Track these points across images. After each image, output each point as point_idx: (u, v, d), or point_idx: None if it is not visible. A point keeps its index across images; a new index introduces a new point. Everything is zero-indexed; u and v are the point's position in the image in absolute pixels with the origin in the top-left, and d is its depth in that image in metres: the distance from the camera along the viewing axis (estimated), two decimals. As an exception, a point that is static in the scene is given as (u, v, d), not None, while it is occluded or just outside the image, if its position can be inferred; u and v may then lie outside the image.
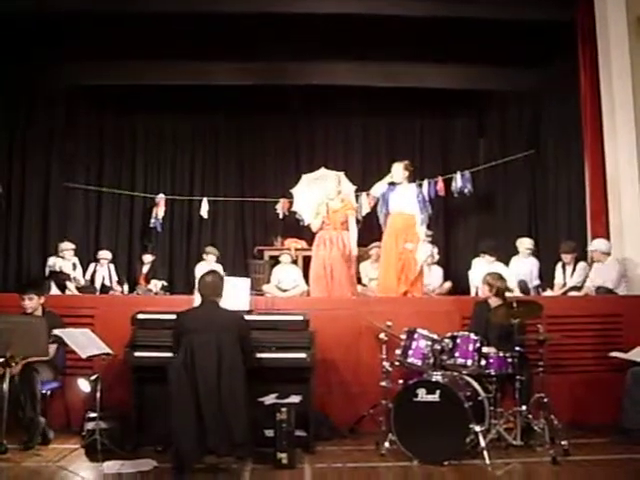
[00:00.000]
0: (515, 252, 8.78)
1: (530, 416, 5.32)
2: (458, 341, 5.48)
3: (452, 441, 4.98)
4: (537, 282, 8.56)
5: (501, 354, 5.43)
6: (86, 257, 9.98)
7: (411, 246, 7.29)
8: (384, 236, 7.51)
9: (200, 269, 9.08)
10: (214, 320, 4.89)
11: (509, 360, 5.39)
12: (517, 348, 5.41)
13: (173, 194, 11.56)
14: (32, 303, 5.73)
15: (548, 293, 8.02)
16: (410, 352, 5.55)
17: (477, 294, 7.55)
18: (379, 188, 7.57)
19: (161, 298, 8.60)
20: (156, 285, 9.88)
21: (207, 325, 4.83)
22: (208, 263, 9.64)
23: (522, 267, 8.56)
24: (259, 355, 5.32)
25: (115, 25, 8.51)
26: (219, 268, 9.35)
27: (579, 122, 8.32)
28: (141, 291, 9.71)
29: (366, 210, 10.55)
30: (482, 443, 4.95)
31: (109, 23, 8.47)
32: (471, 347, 5.43)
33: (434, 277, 9.20)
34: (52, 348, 5.53)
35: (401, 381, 5.64)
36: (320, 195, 8.15)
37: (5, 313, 5.67)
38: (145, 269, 10.28)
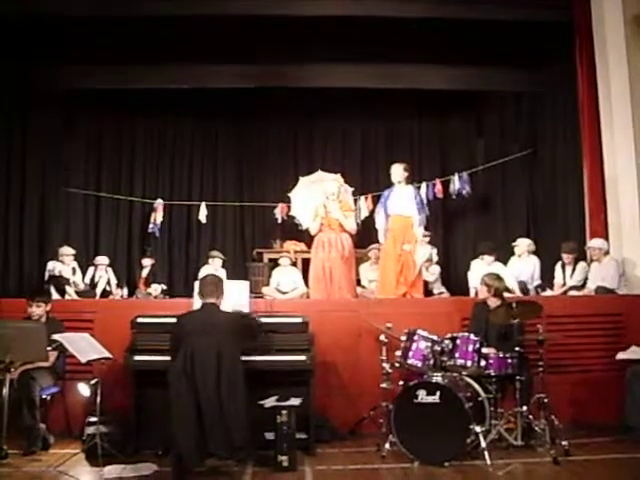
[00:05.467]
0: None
1: (531, 416, 5.32)
2: (458, 342, 5.49)
3: (453, 442, 4.98)
4: (538, 282, 8.54)
5: (501, 355, 5.43)
6: (85, 261, 9.95)
7: (409, 247, 7.31)
8: (384, 238, 7.54)
9: (204, 273, 8.99)
10: (214, 323, 4.89)
11: (509, 360, 5.40)
12: (517, 348, 5.42)
13: (172, 198, 11.53)
14: (40, 310, 5.73)
15: (548, 293, 8.01)
16: (410, 353, 5.54)
17: (476, 295, 7.55)
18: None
19: (160, 302, 8.57)
20: (156, 289, 9.85)
21: (207, 328, 4.83)
22: (213, 267, 9.53)
23: (523, 267, 8.54)
24: (259, 358, 5.34)
25: (114, 28, 8.53)
26: (223, 272, 9.32)
27: (577, 122, 8.33)
28: (141, 295, 9.68)
29: (365, 213, 10.56)
30: (483, 444, 4.95)
31: (108, 26, 8.48)
32: (471, 348, 5.44)
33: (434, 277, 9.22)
34: (53, 355, 5.52)
35: (401, 382, 5.66)
36: (318, 198, 8.15)
37: (5, 318, 5.67)
38: (144, 273, 10.24)
